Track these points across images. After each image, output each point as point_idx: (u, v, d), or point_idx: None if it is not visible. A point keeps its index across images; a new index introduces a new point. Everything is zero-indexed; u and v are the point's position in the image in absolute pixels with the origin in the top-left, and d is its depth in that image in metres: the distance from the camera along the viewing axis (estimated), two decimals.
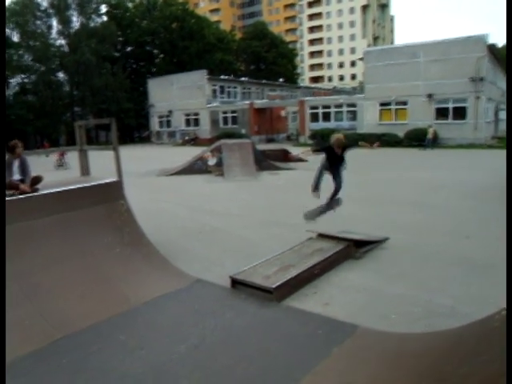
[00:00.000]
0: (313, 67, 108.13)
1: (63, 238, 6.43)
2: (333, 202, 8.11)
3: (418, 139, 29.41)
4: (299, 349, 4.72)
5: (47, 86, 49.07)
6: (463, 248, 7.80)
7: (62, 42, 52.64)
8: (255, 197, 13.87)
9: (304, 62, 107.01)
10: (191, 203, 13.12)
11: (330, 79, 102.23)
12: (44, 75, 49.91)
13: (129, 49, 59.79)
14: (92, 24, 53.75)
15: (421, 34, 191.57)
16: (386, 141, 30.46)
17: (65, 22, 51.23)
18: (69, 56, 49.71)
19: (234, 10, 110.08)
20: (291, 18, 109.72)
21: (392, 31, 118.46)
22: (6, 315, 5.21)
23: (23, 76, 50.73)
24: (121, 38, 57.65)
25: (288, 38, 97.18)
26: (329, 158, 7.60)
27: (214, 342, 4.83)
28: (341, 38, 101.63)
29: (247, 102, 43.92)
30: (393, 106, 32.81)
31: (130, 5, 61.73)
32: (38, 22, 50.49)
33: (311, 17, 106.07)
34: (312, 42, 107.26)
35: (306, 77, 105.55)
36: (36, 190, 6.72)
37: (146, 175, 19.43)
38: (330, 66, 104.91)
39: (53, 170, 21.98)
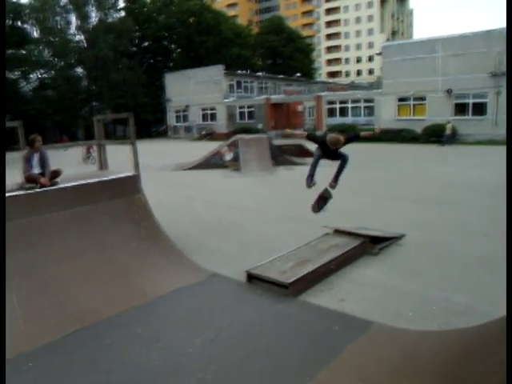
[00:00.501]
0: (330, 62, 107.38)
1: (81, 231, 6.53)
2: (325, 192, 7.72)
3: (436, 135, 29.02)
4: (314, 344, 4.72)
5: (66, 80, 49.55)
6: (482, 246, 7.70)
7: (80, 37, 53.11)
8: (271, 192, 13.87)
9: (321, 57, 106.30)
10: (208, 198, 13.17)
11: (347, 74, 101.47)
12: (63, 70, 50.44)
13: (146, 44, 60.03)
14: (110, 19, 54.05)
15: (440, 28, 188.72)
16: (404, 137, 30.16)
17: (83, 17, 51.64)
18: (87, 51, 50.12)
19: (251, 4, 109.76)
20: (308, 13, 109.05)
21: (411, 25, 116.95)
22: (26, 306, 5.32)
23: (42, 71, 51.32)
24: (138, 33, 57.90)
25: (305, 32, 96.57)
26: (323, 151, 7.11)
27: (230, 336, 4.86)
28: (358, 33, 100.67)
29: (264, 96, 43.82)
30: (411, 102, 32.42)
31: (147, 0, 61.94)
32: (58, 18, 50.97)
33: (328, 11, 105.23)
34: (329, 36, 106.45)
35: (322, 72, 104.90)
36: (55, 184, 6.82)
37: (162, 169, 19.54)
38: (347, 60, 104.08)
39: (80, 164, 22.18)
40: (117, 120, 47.36)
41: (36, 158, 7.01)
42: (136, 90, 50.46)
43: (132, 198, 7.35)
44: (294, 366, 4.33)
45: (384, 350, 4.56)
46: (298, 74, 58.22)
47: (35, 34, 50.53)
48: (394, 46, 36.17)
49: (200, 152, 21.78)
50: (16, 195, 6.31)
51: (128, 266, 6.44)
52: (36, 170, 6.92)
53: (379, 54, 37.11)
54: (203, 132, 43.84)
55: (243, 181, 16.34)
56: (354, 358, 4.39)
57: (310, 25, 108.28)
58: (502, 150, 24.48)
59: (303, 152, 21.73)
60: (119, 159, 9.57)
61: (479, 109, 29.43)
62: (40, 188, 6.61)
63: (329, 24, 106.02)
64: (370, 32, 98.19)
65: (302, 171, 18.09)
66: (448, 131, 28.10)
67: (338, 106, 36.83)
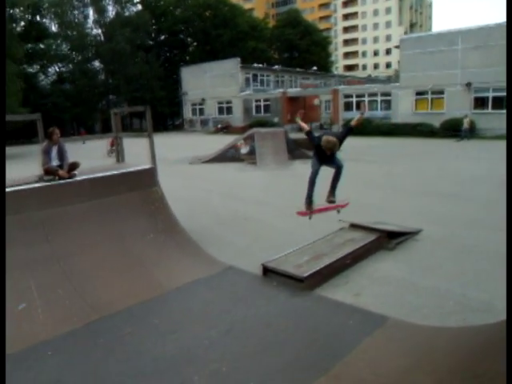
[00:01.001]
0: (347, 55, 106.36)
1: (99, 223, 6.61)
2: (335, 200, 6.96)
3: (454, 129, 28.62)
4: (329, 338, 4.73)
5: (83, 74, 50.02)
6: (499, 241, 7.59)
7: (97, 31, 53.54)
8: (287, 185, 13.84)
9: (338, 50, 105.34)
10: (224, 191, 13.21)
11: (364, 67, 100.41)
12: (80, 64, 50.93)
13: (162, 37, 60.20)
14: (126, 13, 54.36)
15: (461, 20, 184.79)
16: (421, 131, 29.82)
17: (100, 11, 52.00)
18: (104, 45, 50.49)
19: None
20: (325, 5, 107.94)
21: (430, 17, 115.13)
22: (46, 296, 5.42)
23: (60, 65, 51.88)
24: (154, 27, 58.10)
25: (322, 25, 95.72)
26: (319, 157, 6.60)
27: (245, 329, 4.89)
28: (376, 26, 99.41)
29: (280, 90, 43.67)
30: (429, 95, 32.00)
31: None
32: (75, 12, 51.42)
33: (345, 4, 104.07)
34: (346, 29, 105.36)
35: (339, 65, 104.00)
36: (73, 176, 6.90)
37: (178, 163, 19.65)
38: (364, 54, 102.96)
39: (105, 157, 22.31)
40: (133, 113, 47.75)
41: (54, 151, 7.10)
42: (152, 83, 50.72)
43: (149, 191, 7.41)
44: (308, 359, 4.34)
45: (399, 345, 4.54)
46: (315, 68, 57.80)
47: (53, 28, 51.07)
48: (413, 38, 35.67)
49: (216, 145, 21.82)
50: (35, 187, 6.41)
51: (145, 257, 6.51)
52: (54, 163, 7.01)
53: (397, 47, 36.66)
54: (219, 125, 43.89)
55: (259, 174, 16.34)
56: (369, 353, 4.38)
57: (326, 18, 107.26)
58: None
59: None
60: (136, 152, 9.64)
61: (499, 103, 28.89)
62: (58, 180, 6.70)
63: (346, 17, 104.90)
64: (388, 25, 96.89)
65: None
66: (465, 125, 27.67)
67: (354, 99, 36.52)
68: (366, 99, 35.76)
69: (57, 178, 6.74)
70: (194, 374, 4.13)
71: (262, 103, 43.51)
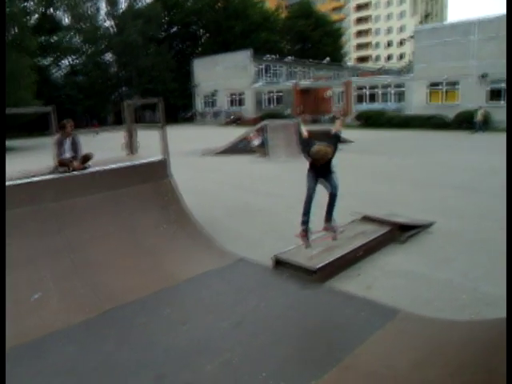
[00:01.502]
0: (359, 47, 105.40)
1: (112, 215, 6.67)
2: (332, 226, 6.21)
3: (468, 122, 28.27)
4: (340, 330, 4.73)
5: (96, 66, 50.27)
6: None
7: (109, 23, 53.67)
8: (299, 178, 13.70)
9: (350, 42, 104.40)
10: (235, 183, 13.23)
11: (376, 59, 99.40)
12: (93, 56, 51.15)
13: (174, 29, 60.16)
14: (138, 5, 54.38)
15: (476, 9, 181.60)
16: (434, 123, 29.50)
17: (112, 3, 52.12)
18: (116, 37, 50.63)
19: None
20: None
21: (445, 7, 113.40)
22: (60, 286, 5.49)
23: (73, 57, 52.13)
24: (166, 19, 58.05)
25: (334, 16, 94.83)
26: (313, 167, 6.07)
27: (256, 320, 4.90)
28: (389, 16, 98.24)
29: (292, 82, 43.48)
30: (443, 87, 31.62)
31: None
32: (88, 4, 51.53)
33: None
34: (359, 20, 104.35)
35: (352, 57, 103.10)
36: (86, 168, 6.96)
37: (190, 155, 19.69)
38: (377, 45, 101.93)
39: (118, 149, 22.35)
40: (144, 105, 47.85)
41: (68, 143, 7.16)
42: (164, 75, 50.81)
43: (161, 183, 7.45)
44: (319, 351, 4.35)
45: (411, 338, 4.53)
46: (327, 59, 57.40)
47: (66, 20, 51.29)
48: (427, 29, 35.24)
49: (227, 137, 21.81)
50: (48, 179, 6.48)
51: (157, 248, 6.56)
52: (68, 155, 7.08)
53: (411, 37, 36.25)
54: (231, 117, 43.86)
55: (270, 166, 16.32)
56: (380, 346, 4.38)
57: (339, 8, 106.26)
58: None
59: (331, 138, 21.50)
60: (148, 144, 9.67)
61: None
62: (72, 172, 6.76)
63: (358, 8, 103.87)
64: (402, 15, 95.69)
65: None
66: (479, 117, 27.29)
67: (367, 91, 36.28)
68: (379, 91, 35.48)
69: (70, 169, 6.80)
70: (206, 364, 4.16)
71: (273, 95, 43.38)
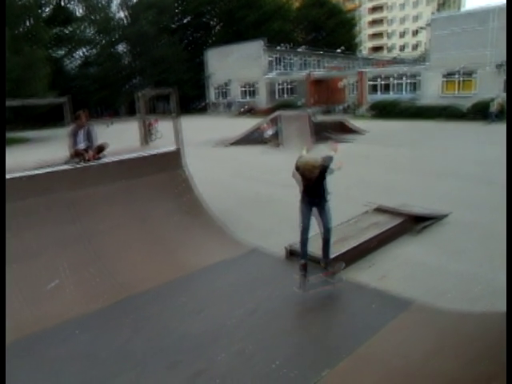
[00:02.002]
0: (373, 36, 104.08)
1: (126, 205, 6.73)
2: (333, 265, 5.53)
3: (483, 112, 27.84)
4: (354, 320, 4.74)
5: (109, 57, 50.32)
6: None
7: (122, 14, 53.65)
8: None
9: (364, 31, 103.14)
10: (248, 173, 13.24)
11: (391, 48, 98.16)
12: (106, 47, 51.22)
13: (187, 19, 59.91)
14: None
15: None
16: (449, 113, 29.11)
17: None
18: (129, 28, 50.62)
19: None
20: None
21: None
22: (76, 275, 5.57)
23: (86, 48, 52.29)
24: (179, 9, 57.82)
25: (348, 5, 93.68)
26: (305, 187, 5.60)
27: (270, 310, 4.93)
28: (403, 5, 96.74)
29: (305, 72, 43.18)
30: (458, 77, 31.15)
31: None
32: None
33: None
34: (373, 9, 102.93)
35: (365, 46, 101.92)
36: (100, 158, 7.02)
37: (203, 145, 19.70)
38: (391, 34, 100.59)
39: (131, 140, 22.40)
40: (158, 96, 47.92)
41: (82, 133, 7.23)
42: (177, 66, 50.73)
43: (175, 173, 7.50)
44: (332, 340, 4.37)
45: (424, 329, 4.53)
46: (340, 49, 56.84)
47: (79, 12, 51.36)
48: (444, 17, 34.62)
49: (240, 128, 21.78)
50: (63, 169, 6.56)
51: (171, 238, 6.62)
52: (82, 145, 7.14)
53: (427, 25, 35.71)
54: (243, 108, 43.74)
55: (283, 157, 16.23)
56: (394, 336, 4.38)
57: None
58: None
59: (346, 129, 21.40)
60: (161, 134, 9.72)
61: None
62: (86, 162, 6.83)
63: None
64: (416, 4, 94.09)
65: (343, 148, 17.85)
66: (495, 107, 26.82)
67: (381, 81, 35.88)
68: (393, 81, 35.09)
69: (84, 160, 6.87)
70: (220, 352, 4.21)
71: (286, 86, 43.13)
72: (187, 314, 4.28)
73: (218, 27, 61.95)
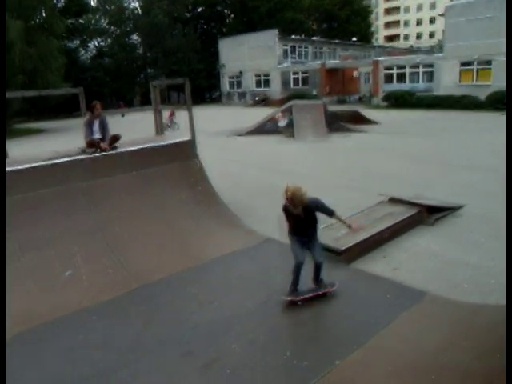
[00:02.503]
0: (388, 25, 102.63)
1: (140, 194, 6.78)
2: (325, 286, 5.09)
3: (500, 102, 27.36)
4: (366, 311, 4.72)
5: (122, 48, 50.48)
6: None
7: (135, 4, 53.69)
8: (325, 159, 13.72)
9: (378, 20, 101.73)
10: (261, 163, 13.22)
11: (406, 38, 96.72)
12: (119, 38, 51.37)
13: (200, 9, 59.70)
14: None
15: None
16: (466, 103, 28.69)
17: None
18: (142, 18, 50.62)
19: None
20: None
21: None
22: (91, 264, 5.63)
23: (100, 40, 52.49)
24: None
25: None
26: (293, 224, 5.02)
27: (282, 300, 4.94)
28: None
29: (319, 62, 42.81)
30: (475, 66, 30.62)
31: None
32: None
33: None
34: None
35: (380, 35, 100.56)
36: (115, 148, 7.07)
37: (216, 135, 19.72)
38: (406, 23, 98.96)
39: (145, 130, 22.45)
40: (171, 86, 47.95)
41: (96, 124, 7.26)
42: (190, 56, 50.67)
43: (188, 163, 7.52)
44: (344, 331, 4.37)
45: (437, 321, 4.50)
46: (355, 39, 56.20)
47: (93, 3, 51.50)
48: (460, 4, 33.91)
49: (254, 118, 21.75)
50: (78, 159, 6.62)
51: (184, 228, 6.66)
52: (97, 136, 7.18)
53: (442, 15, 35.11)
54: (257, 98, 43.61)
55: (297, 147, 16.23)
56: (406, 328, 4.37)
57: None
58: None
59: (360, 119, 21.22)
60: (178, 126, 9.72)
61: None
62: (100, 152, 6.87)
63: None
64: None
65: (358, 138, 17.84)
66: None
67: (395, 71, 35.42)
68: (408, 70, 34.64)
69: (99, 150, 6.92)
70: (232, 342, 4.23)
71: (300, 75, 42.84)
72: (199, 304, 4.31)
73: (231, 17, 61.63)
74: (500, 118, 24.05)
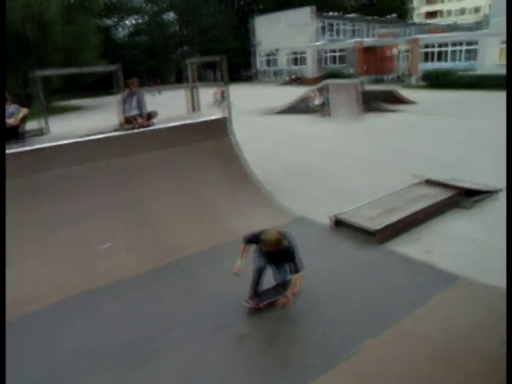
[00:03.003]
0: (428, 1, 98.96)
1: (174, 170, 6.90)
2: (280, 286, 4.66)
3: None
4: (397, 293, 4.72)
5: (158, 26, 50.59)
6: None
7: None
8: (360, 138, 13.53)
9: None
10: (295, 142, 13.17)
11: (448, 14, 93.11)
12: (155, 16, 51.46)
13: None
14: None
15: None
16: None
17: None
18: None
19: None
20: None
21: None
22: (127, 237, 5.80)
23: (136, 17, 52.70)
24: None
25: None
26: (266, 256, 4.47)
27: (314, 278, 4.97)
28: None
29: (355, 40, 41.85)
30: None
31: None
32: None
33: None
34: None
35: (420, 12, 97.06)
36: (151, 125, 7.18)
37: (250, 113, 19.67)
38: None
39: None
40: (206, 64, 47.89)
41: (133, 101, 7.39)
42: (225, 33, 50.36)
43: (222, 140, 7.57)
44: (375, 311, 4.38)
45: (469, 305, 4.47)
46: (393, 15, 54.50)
47: None
48: None
49: (288, 96, 21.54)
50: (115, 135, 6.76)
51: (217, 204, 6.75)
52: (133, 112, 7.31)
53: None
54: (292, 76, 43.11)
55: (331, 127, 16.04)
56: (438, 311, 4.36)
57: None
58: None
59: (396, 99, 20.75)
60: (205, 101, 9.77)
61: None
62: (137, 129, 7.01)
63: None
64: None
65: (394, 118, 17.45)
66: None
67: (435, 49, 34.27)
68: (449, 49, 33.48)
69: (135, 126, 7.05)
70: (263, 318, 4.34)
71: (336, 54, 42.07)
72: (232, 278, 4.38)
73: None
74: None
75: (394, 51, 42.33)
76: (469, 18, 78.39)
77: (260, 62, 49.65)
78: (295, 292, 4.30)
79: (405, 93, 22.43)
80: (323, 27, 44.76)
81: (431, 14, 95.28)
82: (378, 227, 5.82)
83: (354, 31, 47.80)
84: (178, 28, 54.27)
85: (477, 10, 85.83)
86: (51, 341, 4.20)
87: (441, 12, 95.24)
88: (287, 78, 43.48)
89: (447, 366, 3.61)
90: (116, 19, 49.73)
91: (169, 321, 4.36)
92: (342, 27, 46.88)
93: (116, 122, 7.42)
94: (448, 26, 57.31)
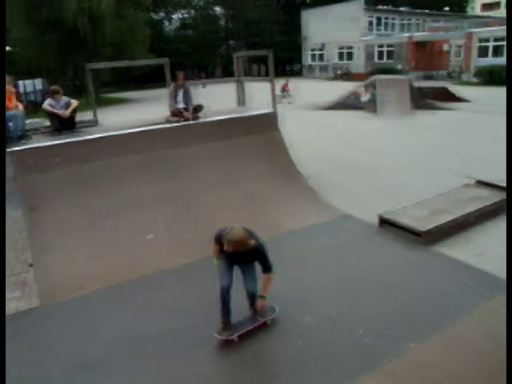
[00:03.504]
0: None
1: (219, 164, 6.95)
2: (263, 311, 4.23)
3: None
4: (445, 297, 4.56)
5: (205, 20, 51.08)
6: None
7: None
8: (408, 136, 13.19)
9: None
10: (342, 139, 13.01)
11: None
12: (202, 10, 51.96)
13: None
14: None
15: None
16: None
17: None
18: None
19: None
20: None
21: None
22: (171, 229, 5.87)
23: (183, 11, 53.36)
24: None
25: None
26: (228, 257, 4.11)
27: (359, 277, 4.90)
28: None
29: (406, 34, 40.72)
30: None
31: None
32: None
33: None
34: None
35: (477, 4, 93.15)
36: (198, 118, 7.25)
37: (297, 108, 19.55)
38: None
39: (225, 100, 22.85)
40: (252, 58, 47.96)
41: (181, 94, 7.47)
42: (272, 27, 50.23)
43: (269, 135, 7.55)
44: (421, 315, 4.26)
45: None
46: (447, 8, 52.67)
47: None
48: None
49: (336, 92, 21.27)
50: (162, 128, 6.86)
51: (263, 199, 6.75)
52: (181, 105, 7.40)
53: None
54: (339, 72, 42.55)
55: (380, 124, 15.72)
56: (488, 318, 4.20)
57: None
58: None
59: (448, 96, 20.09)
60: (256, 97, 9.77)
61: None
62: (184, 121, 7.09)
63: None
64: None
65: (445, 116, 16.91)
66: None
67: (491, 43, 32.80)
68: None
69: (182, 119, 7.13)
70: (305, 315, 4.28)
71: (385, 49, 41.11)
72: (274, 273, 4.36)
73: None
74: None
75: (446, 46, 40.87)
76: None
77: (307, 57, 49.23)
78: (265, 296, 4.05)
79: (457, 90, 21.69)
80: (373, 21, 43.83)
81: (488, 6, 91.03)
82: (425, 228, 5.65)
83: (403, 25, 46.53)
84: (224, 22, 54.58)
85: None
86: (92, 327, 4.32)
87: (498, 4, 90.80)
88: (334, 74, 42.95)
89: (494, 376, 3.44)
90: (163, 13, 50.53)
91: (205, 314, 4.33)
92: (392, 21, 45.76)
93: (163, 115, 7.53)
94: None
